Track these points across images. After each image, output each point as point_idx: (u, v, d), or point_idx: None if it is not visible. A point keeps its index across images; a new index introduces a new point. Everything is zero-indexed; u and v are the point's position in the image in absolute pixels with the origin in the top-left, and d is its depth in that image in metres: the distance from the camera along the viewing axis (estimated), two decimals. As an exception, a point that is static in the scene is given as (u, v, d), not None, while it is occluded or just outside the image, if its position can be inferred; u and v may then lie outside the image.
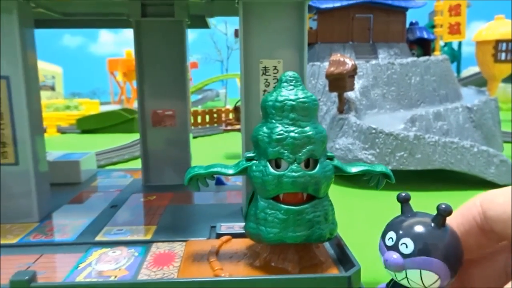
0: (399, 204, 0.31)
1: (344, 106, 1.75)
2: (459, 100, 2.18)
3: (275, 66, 0.60)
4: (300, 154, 0.43)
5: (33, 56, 0.67)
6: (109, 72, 6.64)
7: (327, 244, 0.54)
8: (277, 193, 0.44)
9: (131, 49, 1.21)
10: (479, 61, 3.60)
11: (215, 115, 3.80)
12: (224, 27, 8.63)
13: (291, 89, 0.45)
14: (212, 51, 9.07)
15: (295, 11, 0.59)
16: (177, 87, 0.89)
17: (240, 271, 0.46)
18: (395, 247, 0.29)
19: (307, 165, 0.44)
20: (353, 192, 1.49)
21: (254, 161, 0.46)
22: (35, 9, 0.72)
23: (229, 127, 2.28)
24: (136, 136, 2.67)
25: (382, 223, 0.32)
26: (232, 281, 0.43)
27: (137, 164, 1.05)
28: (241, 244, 0.54)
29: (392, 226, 0.30)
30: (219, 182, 0.86)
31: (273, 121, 0.44)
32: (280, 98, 0.44)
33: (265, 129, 0.44)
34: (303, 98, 0.44)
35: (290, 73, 0.46)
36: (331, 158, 0.47)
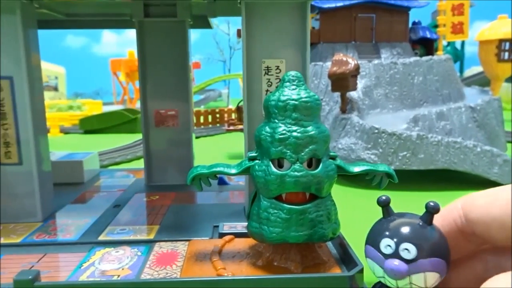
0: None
1: (346, 106, 1.75)
2: (462, 100, 2.17)
3: (278, 66, 0.60)
4: (302, 153, 0.43)
5: (36, 57, 0.67)
6: (112, 72, 6.64)
7: (329, 244, 0.54)
8: (279, 192, 0.44)
9: (134, 50, 1.21)
10: (482, 61, 3.58)
11: (217, 115, 3.80)
12: (226, 27, 8.66)
13: (293, 89, 0.45)
14: (215, 51, 9.10)
15: (298, 11, 0.59)
16: (179, 87, 0.89)
17: (242, 271, 0.47)
18: (395, 254, 0.28)
19: (309, 165, 0.44)
20: (356, 192, 1.49)
21: (257, 161, 0.46)
22: (38, 9, 0.72)
23: (231, 127, 2.27)
24: (139, 136, 2.67)
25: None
26: (234, 281, 0.43)
27: (140, 164, 1.05)
28: (243, 243, 0.54)
29: (385, 233, 0.29)
30: (222, 182, 0.86)
31: (276, 120, 0.44)
32: (282, 98, 0.44)
33: (267, 128, 0.44)
34: (305, 97, 0.44)
35: (292, 72, 0.46)
36: (333, 158, 0.46)
